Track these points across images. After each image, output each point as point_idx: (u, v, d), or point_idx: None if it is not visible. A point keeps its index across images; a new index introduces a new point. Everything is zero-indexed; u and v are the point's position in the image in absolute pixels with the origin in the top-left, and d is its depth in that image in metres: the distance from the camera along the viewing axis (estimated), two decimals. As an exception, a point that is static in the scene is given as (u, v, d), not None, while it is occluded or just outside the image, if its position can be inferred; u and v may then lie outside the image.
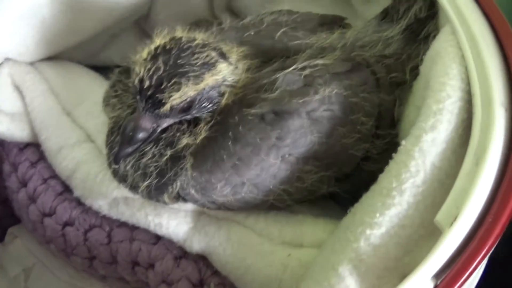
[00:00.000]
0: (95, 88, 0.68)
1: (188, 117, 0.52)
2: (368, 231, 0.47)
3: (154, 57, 0.49)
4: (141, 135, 0.50)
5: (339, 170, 0.55)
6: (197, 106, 0.51)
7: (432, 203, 0.47)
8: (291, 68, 0.53)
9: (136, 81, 0.48)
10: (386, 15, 0.62)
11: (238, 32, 0.58)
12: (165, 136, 0.53)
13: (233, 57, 0.53)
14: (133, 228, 0.62)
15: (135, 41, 0.75)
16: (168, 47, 0.49)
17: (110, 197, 0.61)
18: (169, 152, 0.52)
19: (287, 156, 0.52)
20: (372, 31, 0.60)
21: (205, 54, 0.49)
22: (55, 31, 0.67)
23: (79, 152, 0.63)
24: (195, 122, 0.53)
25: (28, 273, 0.72)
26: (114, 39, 0.75)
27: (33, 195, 0.66)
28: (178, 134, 0.53)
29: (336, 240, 0.50)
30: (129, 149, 0.50)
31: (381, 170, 0.55)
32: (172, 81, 0.48)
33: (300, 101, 0.51)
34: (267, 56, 0.56)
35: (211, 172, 0.52)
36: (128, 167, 0.53)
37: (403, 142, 0.49)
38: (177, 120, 0.52)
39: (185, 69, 0.48)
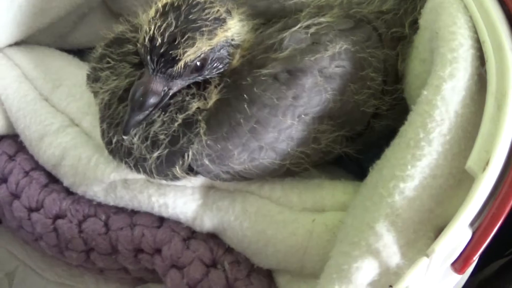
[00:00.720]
0: (71, 69, 0.63)
1: (200, 78, 0.50)
2: (401, 185, 0.46)
3: (163, 14, 0.47)
4: (152, 100, 0.47)
5: (351, 129, 0.54)
6: (209, 66, 0.49)
7: (459, 151, 0.47)
8: (296, 27, 0.52)
9: (146, 40, 0.46)
10: None
11: None
12: (174, 101, 0.50)
13: (236, 17, 0.52)
14: (132, 213, 0.58)
15: (102, 21, 0.71)
16: (176, 3, 0.47)
17: (107, 181, 0.57)
18: (180, 117, 0.49)
19: (303, 116, 0.50)
20: None
21: (215, 10, 0.48)
22: (24, 12, 0.62)
23: (64, 137, 0.59)
24: (204, 85, 0.51)
25: (11, 278, 0.66)
26: (83, 20, 0.70)
27: (15, 190, 0.60)
28: (187, 98, 0.50)
29: (366, 198, 0.49)
30: (140, 116, 0.47)
31: (389, 126, 0.56)
32: (186, 36, 0.46)
33: (312, 58, 0.50)
34: (264, 17, 0.55)
35: (228, 138, 0.49)
36: (135, 139, 0.50)
37: (424, 93, 0.48)
38: (188, 82, 0.49)
39: (198, 24, 0.47)
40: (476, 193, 0.43)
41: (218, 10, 0.48)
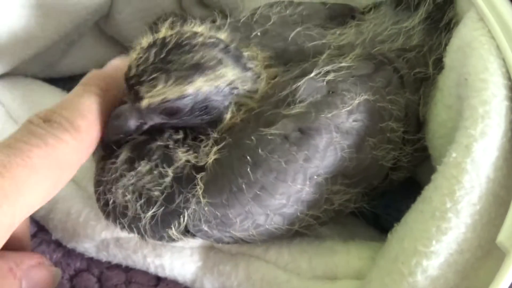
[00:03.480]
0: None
1: (180, 123, 0.45)
2: (424, 262, 0.41)
3: (149, 46, 0.44)
4: (128, 125, 0.45)
5: (368, 185, 0.49)
6: (188, 113, 0.44)
7: (488, 219, 0.42)
8: (313, 74, 0.46)
9: (127, 68, 0.44)
10: (400, 1, 0.55)
11: (242, 33, 0.51)
12: (157, 145, 0.46)
13: (257, 64, 0.47)
14: (128, 269, 0.54)
15: (95, 45, 0.66)
16: (168, 40, 0.43)
17: (98, 239, 0.52)
18: (170, 171, 0.45)
19: (315, 177, 0.45)
20: (390, 23, 0.53)
21: (202, 54, 0.43)
22: (6, 44, 0.57)
23: (52, 187, 0.53)
24: (194, 133, 0.46)
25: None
26: (72, 47, 0.65)
27: (1, 241, 0.55)
28: (171, 143, 0.46)
29: (385, 273, 0.44)
30: (115, 138, 0.45)
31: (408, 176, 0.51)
32: (152, 76, 0.42)
33: (329, 115, 0.44)
34: (280, 61, 0.49)
35: (228, 206, 0.44)
36: (128, 196, 0.45)
37: (453, 155, 0.43)
38: (165, 122, 0.45)
39: (172, 67, 0.42)
40: (508, 272, 0.39)
41: (207, 55, 0.43)
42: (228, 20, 0.50)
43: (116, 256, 0.53)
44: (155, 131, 0.46)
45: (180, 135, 0.46)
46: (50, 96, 0.61)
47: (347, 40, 0.51)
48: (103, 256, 0.54)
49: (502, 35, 0.45)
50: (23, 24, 0.57)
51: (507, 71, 0.44)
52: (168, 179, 0.45)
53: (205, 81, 0.43)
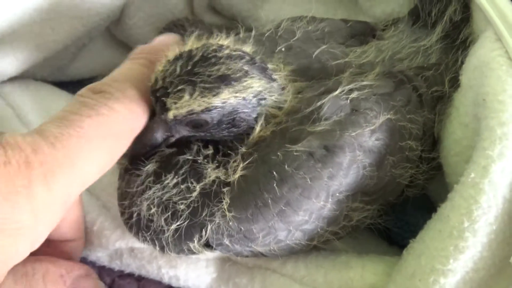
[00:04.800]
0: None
1: (208, 135, 0.45)
2: (442, 280, 0.42)
3: (175, 59, 0.44)
4: (155, 138, 0.45)
5: (385, 201, 0.49)
6: (214, 125, 0.44)
7: (503, 238, 0.43)
8: (337, 92, 0.46)
9: (152, 79, 0.44)
10: (417, 19, 0.56)
11: (267, 47, 0.51)
12: (185, 159, 0.45)
13: (281, 77, 0.47)
14: (140, 277, 0.53)
15: (105, 49, 0.65)
16: (194, 53, 0.44)
17: (112, 249, 0.52)
18: (198, 187, 0.45)
19: (337, 194, 0.45)
20: (408, 41, 0.54)
21: (228, 66, 0.43)
22: (18, 48, 0.56)
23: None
24: (224, 148, 0.46)
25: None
26: (82, 50, 0.65)
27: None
28: (200, 158, 0.46)
29: (402, 290, 0.44)
30: (142, 150, 0.46)
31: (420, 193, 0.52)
32: (178, 88, 0.42)
33: (353, 134, 0.45)
34: (304, 77, 0.49)
35: (253, 221, 0.44)
36: (153, 209, 0.45)
37: (471, 175, 0.43)
38: (192, 134, 0.45)
39: (198, 79, 0.42)
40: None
41: (233, 67, 0.43)
42: (253, 33, 0.50)
43: (130, 265, 0.53)
44: (183, 144, 0.46)
45: (210, 151, 0.46)
46: (59, 100, 0.60)
47: (367, 59, 0.51)
48: (116, 265, 0.53)
49: (520, 56, 0.46)
50: (36, 28, 0.56)
51: (524, 92, 0.45)
52: (195, 194, 0.45)
53: (232, 92, 0.43)
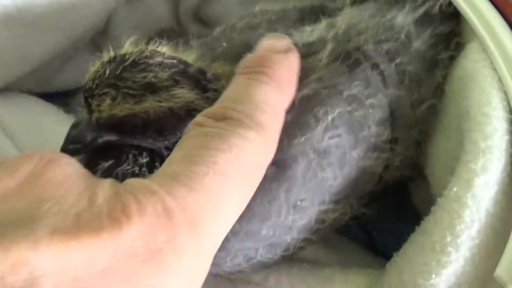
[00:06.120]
0: (58, 128, 0.56)
1: (133, 141, 0.44)
2: (424, 296, 0.42)
3: (108, 62, 0.43)
4: (84, 136, 0.44)
5: (361, 192, 0.47)
6: (138, 133, 0.43)
7: (486, 253, 0.43)
8: None
9: (85, 79, 0.44)
10: None
11: (210, 48, 0.50)
12: (124, 171, 0.43)
13: (221, 85, 0.45)
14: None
15: (90, 60, 0.64)
16: (127, 57, 0.43)
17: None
18: None
19: (298, 203, 0.42)
20: (367, 15, 0.50)
21: (156, 74, 0.42)
22: (2, 62, 0.56)
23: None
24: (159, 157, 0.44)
25: None
26: (69, 61, 0.64)
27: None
28: (137, 169, 0.43)
29: (384, 306, 0.44)
30: (71, 148, 0.44)
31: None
32: (103, 91, 0.42)
33: (302, 139, 0.42)
34: None
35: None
36: None
37: (454, 189, 0.43)
38: (120, 139, 0.44)
39: (123, 84, 0.41)
40: (505, 307, 0.39)
41: (161, 76, 0.42)
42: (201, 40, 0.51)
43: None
44: (118, 153, 0.44)
45: (146, 159, 0.44)
46: (45, 113, 0.60)
47: (316, 35, 0.48)
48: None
49: (504, 68, 0.46)
50: (20, 41, 0.56)
51: (508, 105, 0.45)
52: None
53: (157, 101, 0.42)
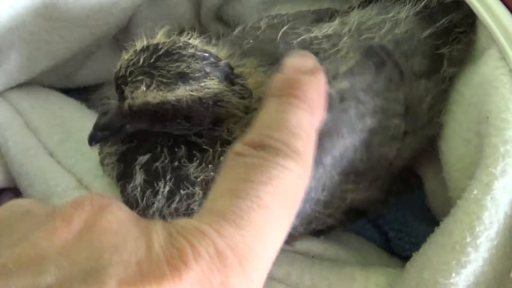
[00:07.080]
0: (80, 121, 0.57)
1: (162, 129, 0.46)
2: (444, 293, 0.43)
3: (141, 50, 0.44)
4: (113, 123, 0.45)
5: (376, 176, 0.51)
6: (168, 120, 0.44)
7: (503, 253, 0.44)
8: None
9: (118, 66, 0.45)
10: None
11: (237, 46, 0.51)
12: (161, 163, 0.46)
13: (248, 82, 0.47)
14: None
15: (111, 57, 0.66)
16: (160, 46, 0.44)
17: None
18: (201, 192, 0.45)
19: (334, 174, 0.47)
20: (374, 13, 0.53)
21: (189, 65, 0.43)
22: (27, 55, 0.57)
23: (70, 201, 0.53)
24: (200, 147, 0.46)
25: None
26: (90, 58, 0.65)
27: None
28: (175, 163, 0.46)
29: (405, 303, 0.45)
30: (99, 135, 0.46)
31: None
32: (137, 78, 0.43)
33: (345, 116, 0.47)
34: (270, 60, 0.49)
35: None
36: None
37: (474, 191, 0.44)
38: (149, 127, 0.45)
39: (158, 72, 0.43)
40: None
41: (194, 67, 0.43)
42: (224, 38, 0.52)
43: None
44: (150, 146, 0.46)
45: (183, 150, 0.46)
46: (68, 107, 0.60)
47: (332, 30, 0.51)
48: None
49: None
50: (46, 36, 0.56)
51: (527, 111, 0.46)
52: (199, 197, 0.45)
53: (188, 91, 0.43)
